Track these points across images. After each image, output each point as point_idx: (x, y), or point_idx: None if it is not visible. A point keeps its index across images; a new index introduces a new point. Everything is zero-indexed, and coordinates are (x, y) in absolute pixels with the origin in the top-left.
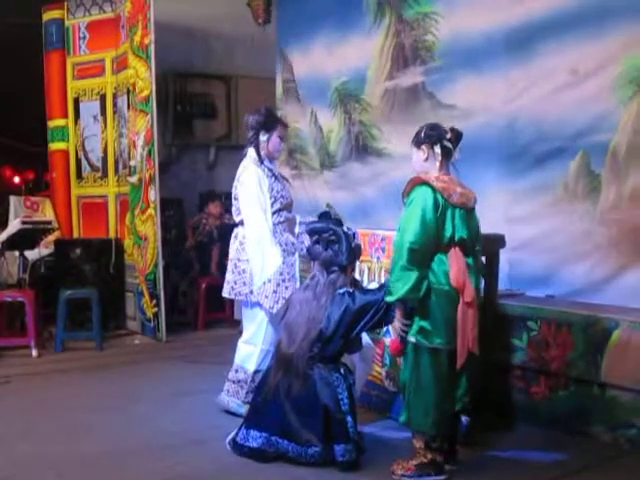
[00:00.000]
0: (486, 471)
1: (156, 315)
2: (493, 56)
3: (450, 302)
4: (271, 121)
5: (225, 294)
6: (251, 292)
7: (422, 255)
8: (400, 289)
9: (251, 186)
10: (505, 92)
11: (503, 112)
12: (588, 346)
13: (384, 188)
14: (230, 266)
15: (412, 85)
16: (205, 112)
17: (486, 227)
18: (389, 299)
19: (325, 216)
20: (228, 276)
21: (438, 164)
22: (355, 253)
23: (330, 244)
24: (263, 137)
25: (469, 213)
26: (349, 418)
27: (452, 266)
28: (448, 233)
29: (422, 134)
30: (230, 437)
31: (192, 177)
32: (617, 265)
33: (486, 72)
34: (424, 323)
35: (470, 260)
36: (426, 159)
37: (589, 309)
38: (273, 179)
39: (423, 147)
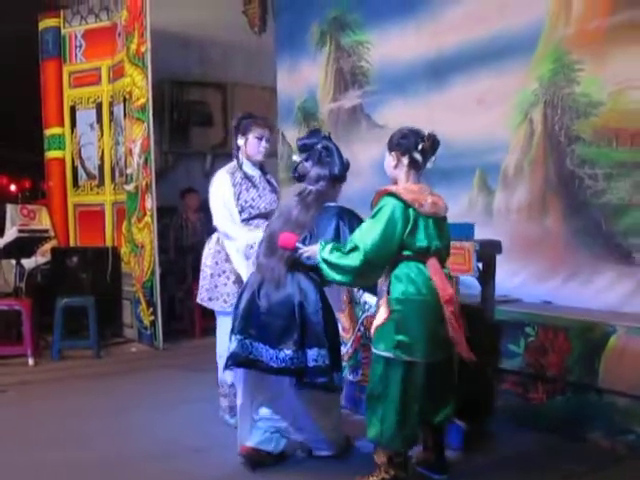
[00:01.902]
0: (484, 477)
1: (153, 323)
2: (416, 83)
3: (431, 313)
4: (245, 124)
5: (197, 300)
6: (209, 299)
7: (373, 268)
8: (331, 275)
9: (213, 197)
10: (425, 115)
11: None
12: (585, 351)
13: None
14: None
15: (352, 107)
16: (201, 120)
17: None
18: (321, 265)
19: (316, 132)
20: (201, 281)
21: (404, 175)
22: (347, 166)
23: (322, 158)
24: (240, 141)
25: (441, 222)
26: (323, 323)
27: (435, 278)
28: (424, 243)
29: (394, 140)
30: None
31: (188, 185)
32: (509, 271)
33: (410, 97)
34: (402, 337)
35: (445, 270)
36: (395, 166)
37: (586, 314)
38: (245, 187)
39: (393, 154)
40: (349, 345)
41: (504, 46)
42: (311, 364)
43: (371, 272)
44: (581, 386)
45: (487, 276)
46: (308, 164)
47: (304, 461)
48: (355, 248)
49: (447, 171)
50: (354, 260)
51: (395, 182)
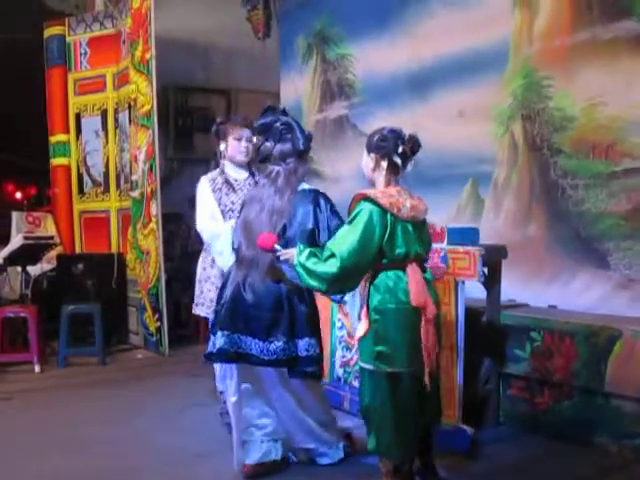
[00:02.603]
0: None
1: (159, 329)
2: (400, 94)
3: (411, 322)
4: (222, 128)
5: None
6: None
7: (350, 276)
8: (307, 280)
9: (197, 204)
10: (410, 125)
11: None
12: (591, 356)
13: None
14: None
15: (338, 117)
16: (206, 126)
17: None
18: (298, 269)
19: (270, 110)
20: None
21: (383, 178)
22: (310, 138)
23: (283, 135)
24: (222, 146)
25: (421, 226)
26: (311, 313)
27: (411, 284)
28: (402, 249)
29: (373, 142)
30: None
31: (193, 191)
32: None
33: (396, 107)
34: (382, 348)
35: (428, 275)
36: (373, 169)
37: (592, 319)
38: (225, 191)
39: (372, 155)
40: (354, 351)
41: (478, 61)
42: (303, 353)
43: (348, 279)
44: (587, 390)
45: (493, 281)
46: (270, 144)
47: (308, 466)
48: (332, 255)
49: (437, 179)
50: (331, 267)
51: (373, 183)
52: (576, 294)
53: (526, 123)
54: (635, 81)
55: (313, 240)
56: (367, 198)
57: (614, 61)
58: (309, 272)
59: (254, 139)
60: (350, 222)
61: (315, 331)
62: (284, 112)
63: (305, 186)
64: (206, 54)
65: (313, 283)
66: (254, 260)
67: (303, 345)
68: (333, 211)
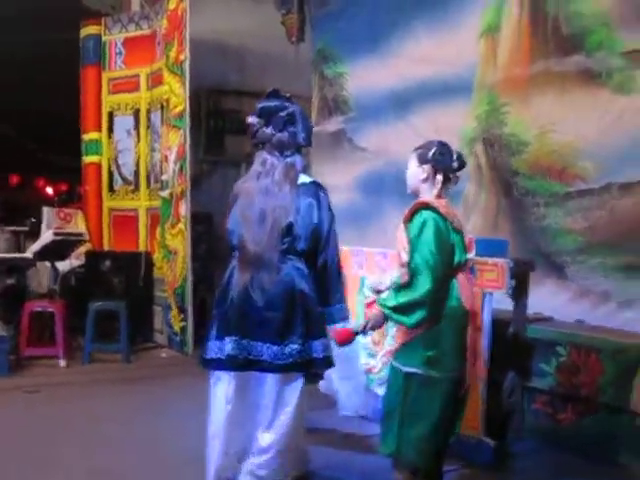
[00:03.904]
0: None
1: (183, 329)
2: (385, 111)
3: (460, 328)
4: None
5: None
6: None
7: (440, 287)
8: (407, 319)
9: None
10: (395, 140)
11: (396, 155)
12: (618, 372)
13: None
14: None
15: (336, 131)
16: (237, 128)
17: (390, 243)
18: (393, 317)
19: (275, 94)
20: None
21: (436, 191)
22: (310, 130)
23: (286, 126)
24: None
25: (463, 236)
26: (320, 312)
27: (463, 290)
28: (459, 257)
29: (430, 154)
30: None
31: (223, 193)
32: None
33: (382, 123)
34: (431, 352)
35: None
36: (425, 180)
37: (619, 335)
38: None
39: (425, 167)
40: (378, 358)
41: (451, 85)
42: (320, 355)
43: (440, 293)
44: (613, 408)
45: (520, 293)
46: (269, 130)
47: None
48: (416, 274)
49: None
50: (423, 285)
51: (416, 194)
52: (540, 300)
53: (486, 146)
54: (581, 112)
55: (317, 236)
56: (428, 206)
57: (564, 92)
58: (405, 307)
59: (252, 119)
60: (418, 235)
61: (326, 332)
62: (289, 99)
63: (305, 179)
64: (240, 57)
65: (415, 317)
66: (260, 258)
67: (319, 346)
68: (329, 207)
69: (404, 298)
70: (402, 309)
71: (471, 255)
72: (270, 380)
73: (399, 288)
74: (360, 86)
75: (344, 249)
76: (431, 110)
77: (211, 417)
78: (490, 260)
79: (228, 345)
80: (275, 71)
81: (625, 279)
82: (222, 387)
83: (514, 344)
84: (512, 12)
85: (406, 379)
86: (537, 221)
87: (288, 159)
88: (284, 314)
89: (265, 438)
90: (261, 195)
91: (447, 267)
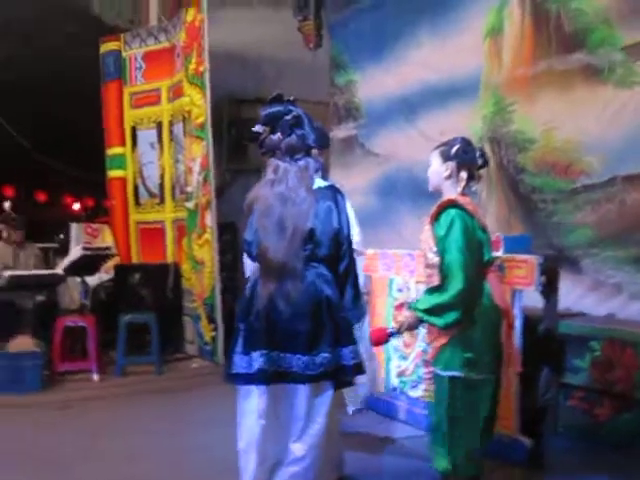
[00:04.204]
0: None
1: (214, 339)
2: (395, 117)
3: (494, 327)
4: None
5: None
6: None
7: (473, 287)
8: (439, 320)
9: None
10: (404, 144)
11: (406, 160)
12: None
13: None
14: None
15: (348, 137)
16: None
17: (405, 244)
18: (426, 319)
19: (278, 99)
20: None
21: (460, 189)
22: (324, 134)
23: (293, 129)
24: None
25: (489, 235)
26: (349, 319)
27: (495, 288)
28: (487, 256)
29: (453, 151)
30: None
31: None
32: None
33: (392, 128)
34: (469, 354)
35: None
36: (448, 177)
37: None
38: None
39: (449, 164)
40: (410, 360)
41: (456, 87)
42: (350, 362)
43: (473, 292)
44: None
45: (550, 290)
46: (276, 137)
47: None
48: (447, 276)
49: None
50: (455, 286)
51: (439, 192)
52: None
53: (493, 145)
54: (584, 108)
55: (338, 241)
56: (455, 204)
57: (567, 90)
58: (438, 309)
59: (257, 128)
60: (446, 234)
61: (354, 337)
62: (292, 102)
63: (321, 182)
64: (258, 65)
65: (449, 318)
66: (283, 267)
67: (348, 353)
68: (346, 209)
69: (437, 300)
70: (435, 311)
71: (499, 253)
72: (301, 391)
73: (431, 290)
74: (370, 93)
75: (370, 251)
76: (437, 113)
77: (242, 431)
78: (519, 257)
79: (258, 359)
80: (294, 78)
81: (636, 271)
82: (253, 402)
83: (547, 341)
84: (514, 13)
85: (450, 384)
86: (547, 217)
87: (300, 162)
88: (312, 323)
89: (298, 448)
90: (277, 202)
91: (477, 266)
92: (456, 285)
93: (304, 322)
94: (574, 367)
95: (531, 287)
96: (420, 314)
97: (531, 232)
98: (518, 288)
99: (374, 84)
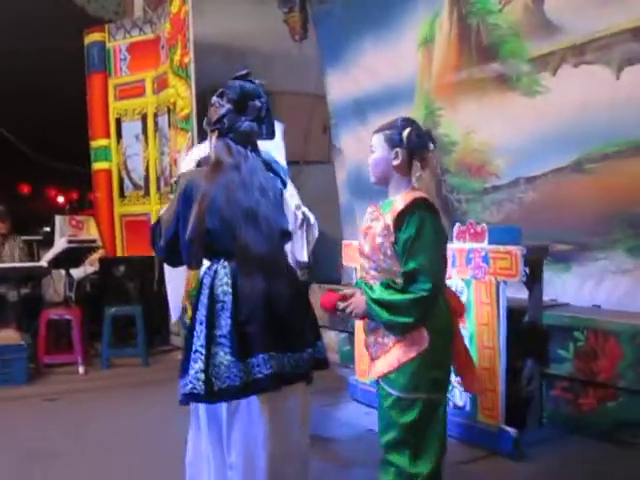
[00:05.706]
0: None
1: None
2: (350, 118)
3: (451, 334)
4: None
5: None
6: None
7: (437, 296)
8: (391, 317)
9: None
10: (355, 146)
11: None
12: (637, 356)
13: None
14: None
15: None
16: None
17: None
18: (374, 308)
19: (248, 76)
20: None
21: (413, 178)
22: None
23: (262, 118)
24: None
25: None
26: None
27: (448, 291)
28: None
29: (405, 135)
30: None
31: None
32: None
33: (349, 129)
34: (437, 373)
35: None
36: (398, 166)
37: (637, 318)
38: None
39: (398, 150)
40: None
41: (397, 91)
42: (322, 356)
43: (435, 300)
44: (633, 392)
45: (534, 281)
46: (241, 116)
47: None
48: (413, 278)
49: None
50: (419, 291)
51: (384, 182)
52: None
53: None
54: (496, 114)
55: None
56: (424, 200)
57: (483, 96)
58: (391, 307)
59: (219, 100)
60: (417, 237)
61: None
62: (263, 86)
63: (275, 171)
64: (244, 57)
65: (400, 319)
66: (269, 260)
67: (321, 347)
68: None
69: (393, 297)
70: (387, 306)
71: (483, 244)
72: (295, 392)
73: (389, 285)
74: (336, 93)
75: (348, 242)
76: (381, 117)
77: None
78: (503, 248)
79: (268, 363)
80: (281, 70)
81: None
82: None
83: (531, 332)
84: (443, 25)
85: (409, 407)
86: (461, 216)
87: (254, 152)
88: (300, 318)
89: (295, 448)
90: (240, 191)
91: (444, 271)
92: (421, 291)
93: (293, 318)
94: (558, 357)
95: (516, 278)
96: (371, 304)
97: (448, 231)
98: (502, 279)
99: (337, 85)
